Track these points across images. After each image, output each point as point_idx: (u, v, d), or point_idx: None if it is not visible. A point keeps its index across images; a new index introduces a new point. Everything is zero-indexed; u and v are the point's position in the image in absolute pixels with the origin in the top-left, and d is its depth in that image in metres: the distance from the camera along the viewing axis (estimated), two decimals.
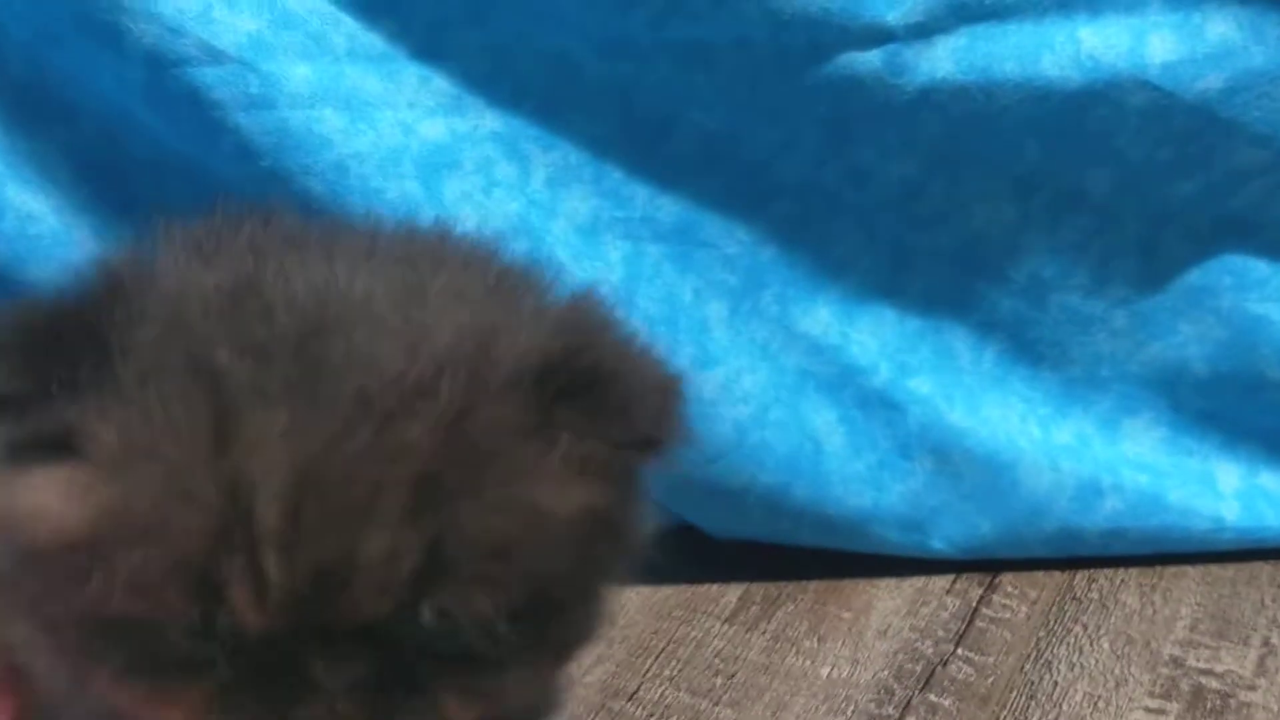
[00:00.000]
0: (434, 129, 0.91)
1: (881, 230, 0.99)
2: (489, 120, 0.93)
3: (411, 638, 0.42)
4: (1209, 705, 0.90)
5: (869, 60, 0.90)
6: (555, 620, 0.45)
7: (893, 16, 0.89)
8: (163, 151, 0.90)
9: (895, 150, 0.96)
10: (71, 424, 0.41)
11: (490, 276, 0.47)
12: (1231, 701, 0.90)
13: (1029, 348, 1.04)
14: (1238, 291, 1.02)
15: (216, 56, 0.84)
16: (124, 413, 0.41)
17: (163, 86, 0.84)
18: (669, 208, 0.97)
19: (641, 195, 0.97)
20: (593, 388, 0.44)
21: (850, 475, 1.01)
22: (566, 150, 0.95)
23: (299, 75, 0.86)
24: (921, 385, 1.02)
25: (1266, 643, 0.96)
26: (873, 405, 1.01)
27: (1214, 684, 0.92)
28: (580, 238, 0.95)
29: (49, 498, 0.41)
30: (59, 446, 0.41)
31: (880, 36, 0.89)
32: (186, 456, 0.40)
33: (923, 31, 0.90)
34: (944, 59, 0.90)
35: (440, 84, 0.92)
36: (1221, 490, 1.05)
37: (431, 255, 0.47)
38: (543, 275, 0.49)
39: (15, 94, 0.90)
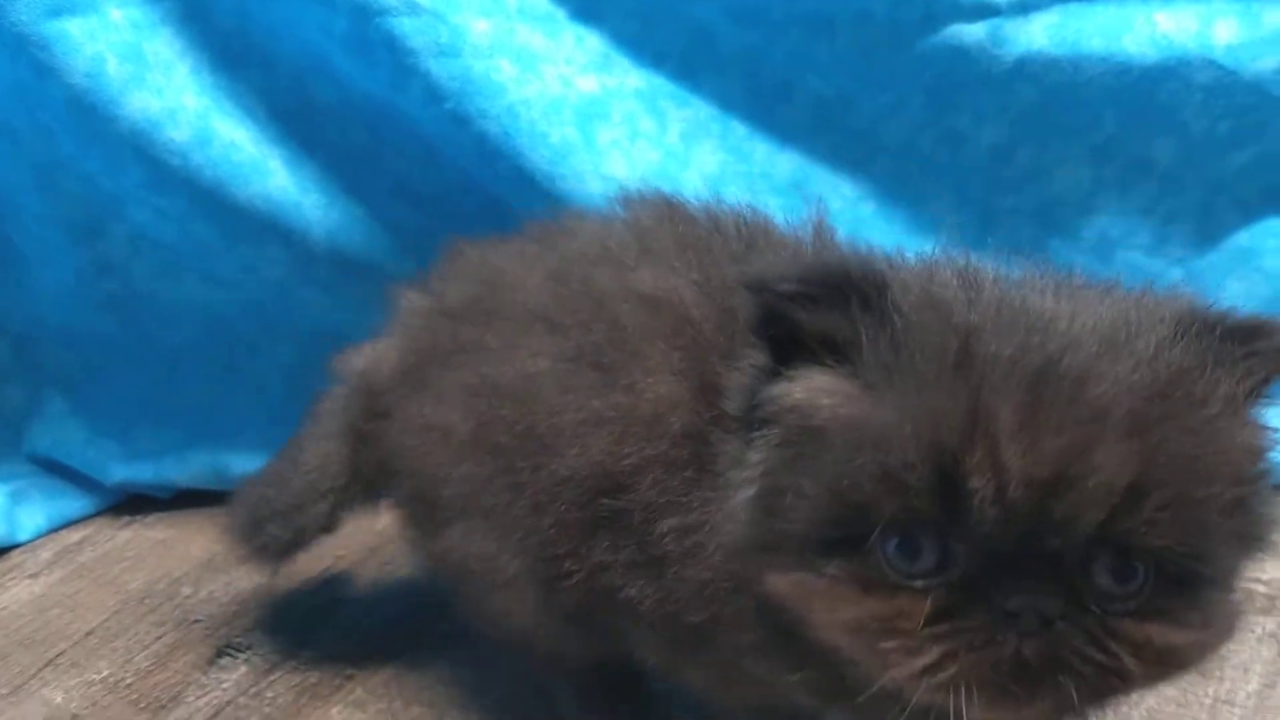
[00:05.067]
0: (588, 83, 1.02)
1: (971, 191, 1.11)
2: (633, 78, 1.05)
3: (1105, 571, 0.50)
4: None
5: (974, 32, 1.02)
6: (1230, 562, 0.52)
7: None
8: (348, 97, 1.01)
9: (989, 117, 1.07)
10: (847, 338, 0.53)
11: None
12: None
13: None
14: None
15: (414, 8, 0.95)
16: (886, 341, 0.52)
17: (363, 35, 0.95)
18: (784, 164, 1.09)
19: (761, 151, 1.09)
20: (1243, 334, 0.53)
21: None
22: (698, 108, 1.07)
23: (479, 29, 0.97)
24: None
25: None
26: None
27: None
28: (708, 188, 1.05)
29: (823, 394, 0.53)
30: (834, 351, 0.53)
31: (986, 11, 1.01)
32: (935, 372, 0.50)
33: (1023, 8, 1.02)
34: (1039, 33, 1.02)
35: (593, 43, 1.04)
36: None
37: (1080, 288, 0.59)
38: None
39: (221, 40, 1.01)
